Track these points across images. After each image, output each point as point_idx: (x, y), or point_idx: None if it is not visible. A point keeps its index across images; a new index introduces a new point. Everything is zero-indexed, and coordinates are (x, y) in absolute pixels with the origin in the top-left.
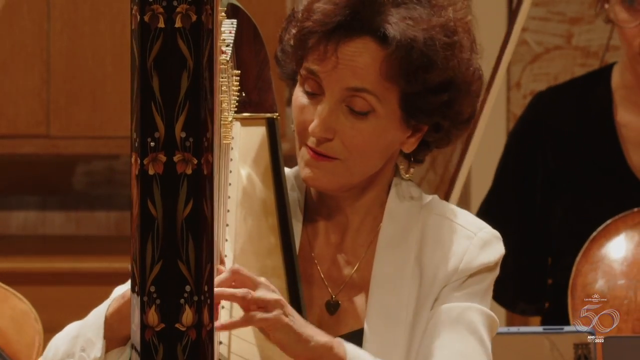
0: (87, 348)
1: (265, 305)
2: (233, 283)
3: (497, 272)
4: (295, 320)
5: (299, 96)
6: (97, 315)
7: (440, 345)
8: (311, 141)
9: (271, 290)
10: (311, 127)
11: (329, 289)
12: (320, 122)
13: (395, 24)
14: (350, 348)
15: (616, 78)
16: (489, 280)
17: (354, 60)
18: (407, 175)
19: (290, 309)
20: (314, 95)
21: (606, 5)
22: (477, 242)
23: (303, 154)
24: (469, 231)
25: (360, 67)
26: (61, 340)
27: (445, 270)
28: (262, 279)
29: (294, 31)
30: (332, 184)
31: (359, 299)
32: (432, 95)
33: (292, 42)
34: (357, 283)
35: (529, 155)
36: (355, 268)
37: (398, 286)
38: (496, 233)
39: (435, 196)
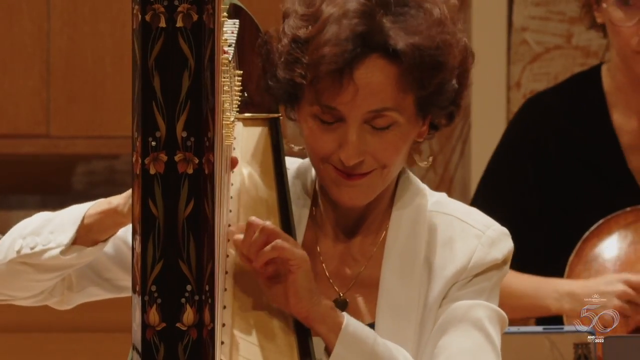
0: (56, 231)
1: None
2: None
3: (506, 269)
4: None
5: (313, 127)
6: (78, 208)
7: (447, 343)
8: (342, 165)
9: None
10: (344, 157)
11: (335, 287)
12: (352, 150)
13: (399, 37)
14: (345, 314)
15: (607, 80)
16: (497, 277)
17: (370, 81)
18: (424, 163)
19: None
20: (332, 124)
21: (598, 9)
22: (486, 241)
23: (330, 174)
24: (477, 230)
25: (376, 87)
26: (35, 219)
27: (454, 269)
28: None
29: (299, 71)
30: (369, 197)
31: (367, 297)
32: (445, 89)
33: (297, 81)
34: (366, 281)
35: (523, 161)
36: (363, 266)
37: (407, 284)
38: (504, 230)
39: (443, 194)
